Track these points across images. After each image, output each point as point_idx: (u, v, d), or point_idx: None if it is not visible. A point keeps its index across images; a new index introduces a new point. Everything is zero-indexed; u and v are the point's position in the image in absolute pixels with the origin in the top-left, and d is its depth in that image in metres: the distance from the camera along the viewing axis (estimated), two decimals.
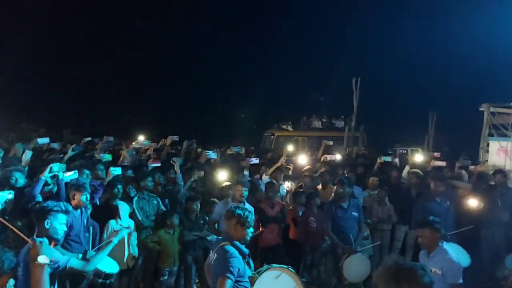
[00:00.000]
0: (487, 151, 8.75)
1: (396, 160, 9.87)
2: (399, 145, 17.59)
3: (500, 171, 7.53)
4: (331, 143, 11.18)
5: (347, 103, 17.69)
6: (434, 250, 4.14)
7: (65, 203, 3.73)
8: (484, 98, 9.22)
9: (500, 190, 7.38)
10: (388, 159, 9.42)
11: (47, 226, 3.41)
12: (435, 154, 10.04)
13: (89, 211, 5.42)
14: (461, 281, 4.01)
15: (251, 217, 3.93)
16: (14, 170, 5.31)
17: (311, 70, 30.53)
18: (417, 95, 25.02)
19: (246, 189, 5.87)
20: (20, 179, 5.27)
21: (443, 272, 4.02)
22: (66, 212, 3.57)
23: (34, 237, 3.34)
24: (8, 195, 4.57)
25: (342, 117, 20.78)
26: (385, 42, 28.92)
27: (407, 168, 8.41)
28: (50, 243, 3.36)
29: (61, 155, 7.68)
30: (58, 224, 3.47)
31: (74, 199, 5.02)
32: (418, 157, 9.67)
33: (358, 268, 5.67)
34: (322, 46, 31.34)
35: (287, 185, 7.72)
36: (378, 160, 9.25)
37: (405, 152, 11.73)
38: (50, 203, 3.53)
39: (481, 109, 8.96)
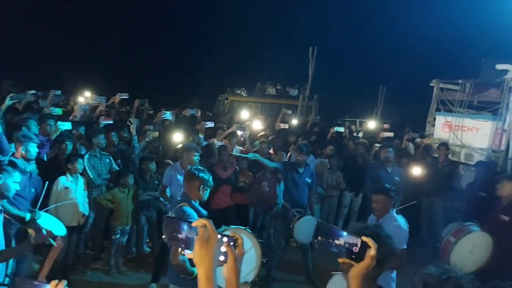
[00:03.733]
0: (433, 125, 9.19)
1: (346, 130, 10.22)
2: (349, 116, 18.14)
3: (443, 144, 7.97)
4: (289, 112, 11.36)
5: (301, 72, 17.84)
6: (384, 217, 4.33)
7: (23, 161, 3.55)
8: (435, 74, 9.58)
9: (441, 162, 7.85)
10: (341, 129, 9.74)
11: None
12: (384, 125, 10.47)
13: (33, 166, 5.16)
14: (405, 246, 4.25)
15: (211, 179, 3.95)
16: None
17: (268, 37, 30.23)
18: (369, 68, 25.63)
19: (197, 154, 5.88)
20: None
21: None
22: (23, 172, 3.40)
23: None
24: None
25: (296, 85, 20.98)
26: (342, 15, 29.13)
27: (360, 135, 8.76)
28: None
29: None
30: (12, 182, 3.31)
31: (17, 151, 4.78)
32: (371, 124, 10.05)
33: (308, 229, 5.85)
34: (280, 13, 30.99)
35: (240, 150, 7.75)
36: (331, 130, 9.55)
37: (354, 123, 12.14)
38: (6, 160, 3.32)
39: (431, 84, 9.32)
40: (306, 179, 6.40)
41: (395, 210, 4.43)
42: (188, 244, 1.54)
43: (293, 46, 22.63)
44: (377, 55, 26.08)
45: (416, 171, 7.46)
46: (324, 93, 19.31)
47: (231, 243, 1.63)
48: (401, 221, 4.32)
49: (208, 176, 3.88)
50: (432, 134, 9.00)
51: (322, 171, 7.90)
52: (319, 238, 1.76)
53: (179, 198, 4.08)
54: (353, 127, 10.58)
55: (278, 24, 30.32)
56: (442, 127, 8.78)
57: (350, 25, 27.72)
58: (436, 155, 8.11)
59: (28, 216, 4.67)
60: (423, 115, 9.72)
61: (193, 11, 33.22)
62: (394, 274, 4.30)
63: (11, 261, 4.26)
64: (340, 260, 1.78)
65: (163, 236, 1.57)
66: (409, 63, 21.14)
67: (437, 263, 1.76)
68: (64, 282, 1.60)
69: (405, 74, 20.07)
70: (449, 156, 7.99)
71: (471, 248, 4.76)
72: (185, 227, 1.56)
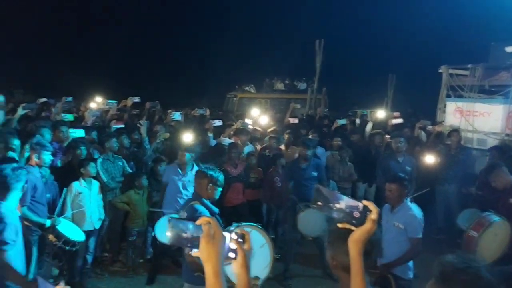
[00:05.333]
0: (444, 112, 9.10)
1: (358, 120, 10.17)
2: (358, 107, 18.01)
3: (455, 131, 7.89)
4: (298, 106, 11.35)
5: (309, 65, 17.74)
6: (398, 206, 4.34)
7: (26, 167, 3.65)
8: (443, 60, 9.48)
9: (454, 149, 7.77)
10: (343, 122, 9.71)
11: None
12: (395, 114, 10.40)
13: (47, 172, 5.25)
14: (420, 235, 4.25)
15: (222, 178, 3.98)
16: None
17: (274, 32, 30.12)
18: (377, 57, 25.39)
19: (189, 154, 5.93)
20: None
21: (405, 227, 4.24)
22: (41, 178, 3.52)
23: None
24: None
25: (304, 79, 20.89)
26: (346, 5, 28.83)
27: (370, 125, 8.69)
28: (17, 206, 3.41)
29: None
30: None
31: (31, 159, 4.87)
32: (380, 113, 10.00)
33: (313, 221, 5.82)
34: (284, 7, 30.85)
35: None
36: (335, 124, 9.56)
37: (365, 114, 12.06)
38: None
39: (440, 70, 9.23)
40: (312, 173, 6.38)
41: (409, 199, 4.42)
42: (194, 242, 1.57)
43: (299, 40, 22.46)
44: (385, 43, 25.85)
45: (429, 159, 7.39)
46: (333, 85, 19.20)
47: (239, 239, 1.66)
48: (416, 209, 4.32)
49: (218, 175, 3.93)
50: (444, 121, 8.92)
51: (334, 163, 7.88)
52: (319, 203, 1.71)
53: (189, 197, 4.13)
54: (357, 119, 10.49)
55: (283, 18, 30.25)
56: (453, 113, 8.70)
57: (355, 15, 27.45)
58: (448, 142, 8.03)
59: (48, 222, 4.76)
60: (434, 102, 9.63)
61: (198, 11, 33.29)
62: (410, 263, 4.31)
63: (32, 266, 4.38)
64: (340, 225, 1.74)
65: (168, 238, 1.59)
66: (417, 50, 20.91)
67: (456, 252, 1.74)
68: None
69: (414, 62, 19.85)
70: (462, 142, 7.91)
71: (493, 238, 4.74)
72: (191, 226, 1.58)
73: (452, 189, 7.74)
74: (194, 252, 1.58)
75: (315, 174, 6.39)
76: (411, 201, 4.42)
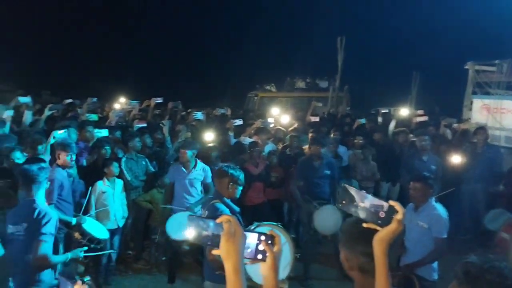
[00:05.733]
0: (471, 109, 8.89)
1: (380, 119, 10.02)
2: (381, 105, 17.75)
3: (481, 128, 7.69)
4: (320, 104, 11.26)
5: (330, 63, 17.59)
6: (422, 205, 4.27)
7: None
8: (469, 56, 9.26)
9: (481, 147, 7.57)
10: (363, 121, 9.57)
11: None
12: (419, 112, 10.21)
13: (74, 171, 5.37)
14: (445, 235, 4.17)
15: (242, 176, 3.98)
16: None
17: (294, 30, 30.00)
18: (401, 55, 24.96)
19: (190, 151, 5.88)
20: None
21: (430, 226, 4.16)
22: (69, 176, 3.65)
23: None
24: None
25: (326, 77, 20.73)
26: (368, 0, 28.48)
27: (393, 123, 8.56)
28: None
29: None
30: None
31: (59, 159, 4.98)
32: (404, 111, 9.84)
33: (329, 219, 5.77)
34: (306, 5, 30.67)
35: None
36: (356, 123, 9.44)
37: (388, 111, 11.88)
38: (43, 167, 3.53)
39: (466, 67, 9.01)
40: (325, 171, 6.32)
41: (433, 198, 4.34)
42: (215, 240, 1.58)
43: (321, 37, 22.29)
44: (408, 40, 25.36)
45: (456, 158, 7.22)
46: (355, 83, 18.99)
47: (269, 241, 1.65)
48: (441, 209, 4.24)
49: (238, 173, 3.92)
50: (470, 119, 8.71)
51: (356, 162, 7.79)
52: (343, 202, 1.70)
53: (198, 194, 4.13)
54: (379, 118, 10.31)
55: (304, 16, 30.09)
56: (480, 111, 8.49)
57: (377, 11, 27.03)
58: (475, 140, 7.83)
59: (74, 220, 4.87)
60: (459, 100, 9.42)
61: (220, 12, 33.47)
62: (435, 264, 4.23)
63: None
64: (365, 225, 1.71)
65: (188, 237, 1.60)
66: (442, 47, 20.45)
67: (479, 252, 1.70)
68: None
69: (439, 59, 19.43)
70: (488, 140, 7.70)
71: None
72: (211, 224, 1.59)
73: (479, 188, 7.54)
74: (215, 251, 1.59)
75: (328, 172, 6.35)
76: (435, 201, 4.34)
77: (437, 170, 6.83)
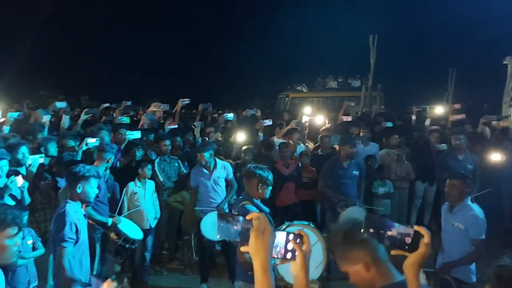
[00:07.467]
0: (511, 106, 8.54)
1: (413, 117, 9.75)
2: (417, 103, 17.31)
3: None
4: (352, 104, 11.11)
5: (363, 62, 17.32)
6: (458, 205, 4.14)
7: (96, 168, 3.87)
8: (508, 51, 8.90)
9: None
10: (390, 124, 9.32)
11: (78, 191, 3.54)
12: (455, 105, 9.86)
13: (107, 172, 5.51)
14: (483, 236, 4.03)
15: (271, 176, 3.97)
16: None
17: (326, 29, 29.71)
18: (436, 51, 24.27)
19: (207, 152, 5.84)
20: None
21: (466, 227, 4.02)
22: (97, 176, 3.70)
23: (68, 199, 3.54)
24: (40, 159, 4.87)
25: (358, 76, 20.45)
26: None
27: (428, 121, 8.37)
28: (82, 205, 3.60)
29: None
30: (90, 188, 3.57)
31: (98, 160, 5.13)
32: (438, 109, 9.55)
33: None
34: (337, 3, 30.31)
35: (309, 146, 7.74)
36: (381, 127, 9.23)
37: (422, 109, 11.58)
38: (82, 169, 3.60)
39: (504, 62, 8.67)
40: (353, 172, 6.23)
41: (469, 198, 4.19)
42: (244, 236, 1.58)
43: (352, 36, 21.99)
44: (443, 36, 24.63)
45: (495, 157, 6.94)
46: (389, 82, 18.61)
47: (297, 240, 1.64)
48: (477, 209, 4.09)
49: (267, 174, 3.89)
50: (510, 116, 8.36)
51: (390, 162, 7.62)
52: (371, 230, 1.73)
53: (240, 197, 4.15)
54: (412, 116, 10.03)
55: (335, 15, 29.71)
56: None
57: (409, 7, 26.34)
58: None
59: (109, 221, 5.01)
60: (499, 96, 9.06)
61: (249, 13, 33.58)
62: (473, 266, 4.09)
63: (95, 263, 4.64)
64: (393, 252, 1.73)
65: (219, 233, 1.61)
66: (479, 42, 19.72)
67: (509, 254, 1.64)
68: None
69: (476, 54, 18.76)
70: None
71: None
72: (241, 219, 1.60)
73: None
74: (244, 247, 1.60)
75: (356, 173, 6.26)
76: (472, 201, 4.19)
77: (475, 169, 6.55)
